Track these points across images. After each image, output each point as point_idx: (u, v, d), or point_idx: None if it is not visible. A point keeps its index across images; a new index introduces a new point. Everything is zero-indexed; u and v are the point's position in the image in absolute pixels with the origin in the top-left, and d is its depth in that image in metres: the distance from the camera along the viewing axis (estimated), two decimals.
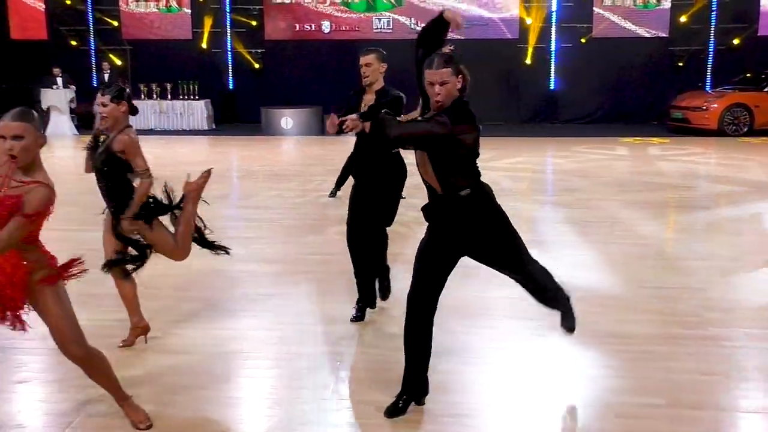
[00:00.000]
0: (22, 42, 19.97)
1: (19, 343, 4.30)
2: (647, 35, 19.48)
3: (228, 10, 19.86)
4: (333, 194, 9.62)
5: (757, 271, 6.63)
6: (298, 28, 19.93)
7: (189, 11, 19.99)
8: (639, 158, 13.82)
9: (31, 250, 3.30)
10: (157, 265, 4.75)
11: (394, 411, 3.78)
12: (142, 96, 18.46)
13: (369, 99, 5.04)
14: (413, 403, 3.84)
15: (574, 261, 6.72)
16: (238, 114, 19.98)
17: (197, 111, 18.77)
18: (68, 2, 19.81)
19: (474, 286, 5.66)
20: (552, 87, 19.67)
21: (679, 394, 4.08)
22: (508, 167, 12.44)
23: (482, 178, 3.72)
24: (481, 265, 3.94)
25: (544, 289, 4.09)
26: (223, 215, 8.93)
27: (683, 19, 19.16)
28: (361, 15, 19.89)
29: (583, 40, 19.33)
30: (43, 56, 18.94)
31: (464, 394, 4.11)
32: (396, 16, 19.84)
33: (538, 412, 3.90)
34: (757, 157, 13.62)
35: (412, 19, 19.74)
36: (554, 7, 19.37)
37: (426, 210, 3.77)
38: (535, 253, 4.14)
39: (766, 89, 16.94)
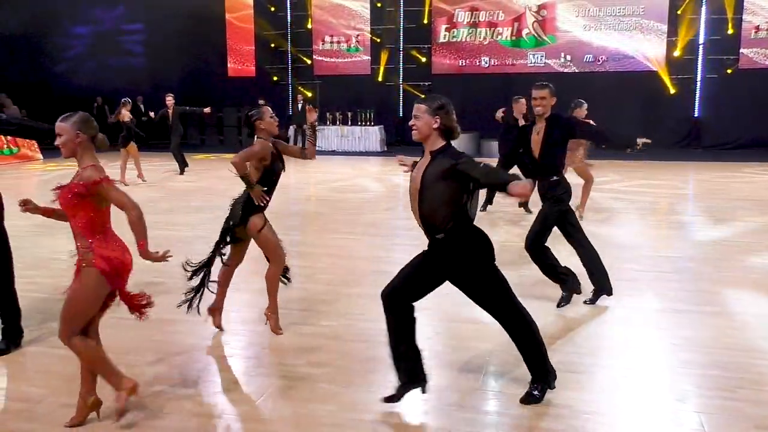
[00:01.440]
0: (236, 78, 21.49)
1: None
2: None
3: (401, 49, 20.31)
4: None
5: None
6: (460, 64, 20.02)
7: (368, 51, 20.63)
8: None
9: (80, 238, 3.31)
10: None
11: (526, 399, 3.70)
12: (328, 123, 19.31)
13: (540, 128, 5.09)
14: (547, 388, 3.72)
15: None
16: (406, 138, 20.34)
17: (372, 135, 19.33)
18: (272, 45, 21.08)
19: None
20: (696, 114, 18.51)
21: None
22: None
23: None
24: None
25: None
26: (393, 225, 9.13)
27: None
28: (518, 50, 19.66)
29: (729, 71, 18.03)
30: (252, 89, 20.24)
31: (602, 393, 3.95)
32: (550, 52, 19.44)
33: (673, 419, 3.67)
34: None
35: (564, 54, 19.29)
36: (701, 40, 18.23)
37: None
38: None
39: None
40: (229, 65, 21.78)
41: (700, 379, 4.11)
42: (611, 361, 4.41)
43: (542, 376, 3.70)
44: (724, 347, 4.60)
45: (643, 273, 6.57)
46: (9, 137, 16.55)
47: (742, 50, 18.12)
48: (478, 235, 3.50)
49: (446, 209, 3.41)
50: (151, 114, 14.40)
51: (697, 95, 18.46)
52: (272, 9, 20.98)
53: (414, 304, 3.63)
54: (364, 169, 15.53)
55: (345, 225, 8.91)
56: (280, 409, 3.73)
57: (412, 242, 7.74)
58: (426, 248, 3.60)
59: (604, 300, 5.59)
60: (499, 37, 19.77)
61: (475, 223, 3.53)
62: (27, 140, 17.10)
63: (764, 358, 4.42)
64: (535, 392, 3.70)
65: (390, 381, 3.79)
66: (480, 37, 19.92)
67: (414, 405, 3.72)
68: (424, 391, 3.70)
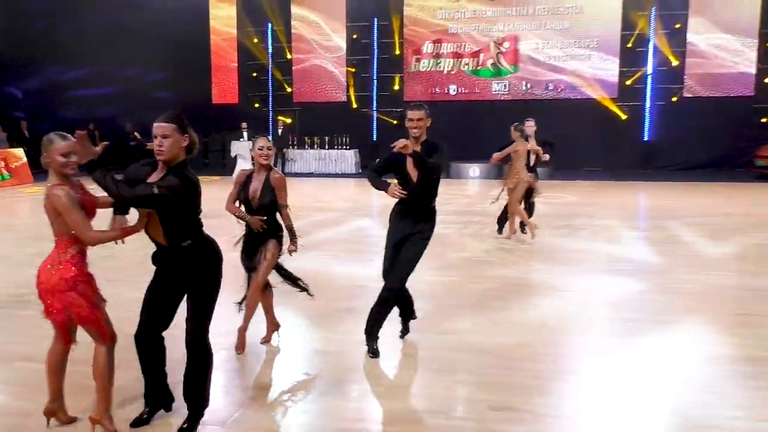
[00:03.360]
0: (220, 105, 21.43)
1: None
2: (733, 95, 18.32)
3: (374, 78, 20.46)
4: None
5: None
6: (430, 92, 20.21)
7: (345, 79, 20.74)
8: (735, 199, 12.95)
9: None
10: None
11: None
12: (306, 146, 19.37)
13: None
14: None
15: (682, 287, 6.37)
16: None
17: (348, 158, 19.39)
18: (254, 74, 21.12)
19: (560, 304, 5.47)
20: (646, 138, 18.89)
21: (759, 410, 3.76)
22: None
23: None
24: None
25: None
26: (368, 241, 9.13)
27: (767, 81, 17.93)
28: (482, 79, 19.93)
29: (674, 99, 18.48)
30: (235, 115, 20.21)
31: (561, 397, 3.97)
32: (512, 81, 19.74)
33: (628, 420, 3.70)
34: None
35: (525, 82, 19.60)
36: (650, 70, 18.65)
37: (155, 258, 3.37)
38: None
39: None
40: (213, 93, 21.71)
41: (651, 383, 4.16)
42: (570, 366, 4.44)
43: (198, 408, 3.42)
44: (675, 351, 4.66)
45: (600, 285, 6.64)
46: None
47: (686, 80, 18.55)
48: (211, 246, 3.39)
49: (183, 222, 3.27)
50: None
51: (647, 121, 18.83)
52: (255, 41, 21.05)
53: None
54: (339, 190, 15.51)
55: (324, 243, 8.88)
56: (257, 420, 3.68)
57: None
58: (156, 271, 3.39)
59: (562, 309, 5.63)
60: (465, 67, 20.03)
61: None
62: (20, 165, 16.87)
63: (714, 364, 4.48)
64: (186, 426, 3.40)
65: (362, 391, 3.77)
66: (447, 67, 20.16)
67: (388, 414, 3.70)
68: (168, 410, 3.56)
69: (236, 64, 21.46)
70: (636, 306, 5.85)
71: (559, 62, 19.32)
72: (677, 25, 18.43)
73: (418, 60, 20.33)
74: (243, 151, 18.86)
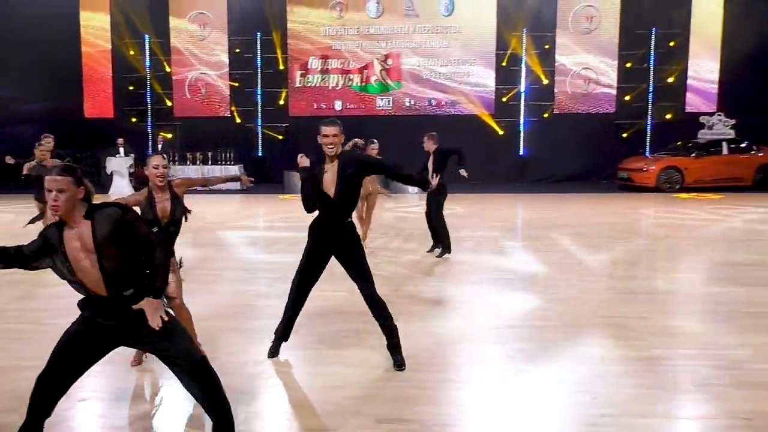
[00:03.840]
0: (93, 119, 20.25)
1: None
2: (598, 112, 19.73)
3: (259, 93, 20.17)
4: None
5: (690, 301, 6.59)
6: (315, 107, 20.22)
7: (228, 94, 20.31)
8: (601, 209, 13.86)
9: None
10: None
11: None
12: (188, 162, 18.71)
13: (331, 167, 4.49)
14: None
15: (548, 294, 6.69)
16: (266, 176, 20.17)
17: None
18: (131, 88, 20.17)
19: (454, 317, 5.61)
20: (521, 153, 19.87)
21: (629, 406, 4.02)
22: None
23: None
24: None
25: None
26: (252, 259, 8.93)
27: (627, 98, 19.48)
28: (368, 95, 20.22)
29: (545, 116, 19.62)
30: (110, 130, 19.20)
31: (448, 405, 4.05)
32: (396, 97, 20.16)
33: (512, 421, 3.84)
34: (688, 209, 13.65)
35: (408, 99, 20.09)
36: (523, 88, 19.68)
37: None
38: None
39: (692, 155, 17.10)
40: (85, 107, 20.49)
41: (533, 385, 4.34)
42: (456, 375, 4.54)
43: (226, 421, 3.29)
44: (554, 356, 4.89)
45: (484, 295, 6.87)
46: None
47: (555, 98, 19.74)
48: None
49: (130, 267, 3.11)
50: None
51: (521, 136, 19.84)
52: (131, 52, 20.12)
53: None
54: (224, 207, 15.12)
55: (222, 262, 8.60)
56: None
57: (271, 274, 7.64)
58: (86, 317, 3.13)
59: (447, 319, 5.77)
60: (350, 83, 20.23)
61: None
62: None
63: (577, 365, 4.74)
64: None
65: (249, 413, 3.65)
66: (333, 83, 20.27)
67: None
68: None
69: (111, 77, 20.41)
70: (518, 314, 6.09)
71: (440, 79, 19.98)
72: (546, 46, 19.61)
73: (303, 75, 20.29)
74: (120, 167, 17.99)
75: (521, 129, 19.80)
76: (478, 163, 19.18)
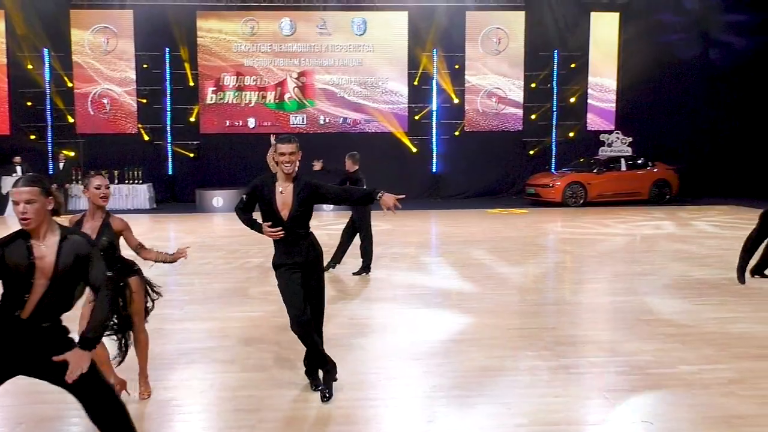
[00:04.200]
0: None
1: None
2: (506, 129, 20.43)
3: (168, 109, 19.60)
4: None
5: (595, 310, 6.89)
6: (228, 124, 19.86)
7: (135, 110, 19.61)
8: (508, 224, 14.29)
9: None
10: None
11: None
12: None
13: (286, 186, 4.34)
14: None
15: (460, 305, 6.80)
16: (177, 195, 19.58)
17: (141, 193, 18.26)
18: (29, 103, 19.11)
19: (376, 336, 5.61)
20: (434, 170, 20.27)
21: (541, 415, 4.14)
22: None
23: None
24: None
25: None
26: (162, 282, 8.61)
27: (533, 117, 20.30)
28: (282, 113, 20.07)
29: (456, 133, 20.14)
30: (6, 148, 18.10)
31: (366, 424, 4.03)
32: (310, 114, 20.11)
33: None
34: (592, 222, 14.32)
35: (323, 116, 20.10)
36: (435, 107, 20.12)
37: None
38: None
39: (594, 171, 18.00)
40: None
41: (450, 400, 4.39)
42: (373, 393, 4.54)
43: None
44: (470, 369, 4.97)
45: (396, 311, 6.91)
46: None
47: (466, 116, 20.29)
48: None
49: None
50: None
51: (434, 153, 20.25)
52: (29, 67, 19.06)
53: None
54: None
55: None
56: None
57: (182, 297, 7.40)
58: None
59: (357, 338, 5.77)
60: (264, 100, 20.02)
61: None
62: None
63: (496, 375, 4.85)
64: None
65: None
66: (246, 100, 19.99)
67: None
68: None
69: (7, 92, 19.25)
70: (434, 329, 6.16)
71: (354, 97, 20.11)
72: (456, 66, 20.16)
73: (215, 92, 19.90)
74: None
75: (434, 146, 20.21)
76: (391, 181, 19.51)
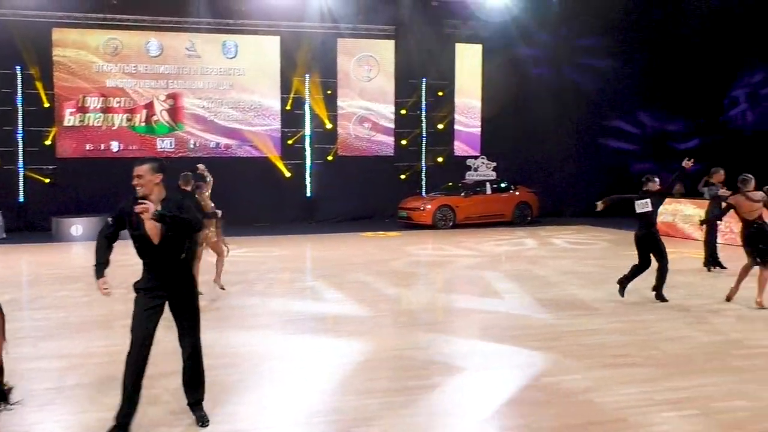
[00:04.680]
0: None
1: None
2: (379, 154, 20.85)
3: (20, 132, 18.13)
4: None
5: (465, 326, 7.13)
6: (88, 147, 18.69)
7: None
8: (385, 247, 14.50)
9: None
10: None
11: None
12: None
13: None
14: None
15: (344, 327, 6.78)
16: (30, 223, 18.06)
17: None
18: None
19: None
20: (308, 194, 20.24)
21: None
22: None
23: None
24: None
25: None
26: (13, 317, 7.87)
27: (404, 142, 20.88)
28: (148, 136, 19.20)
29: (329, 158, 20.27)
30: None
31: None
32: (179, 138, 19.40)
33: None
34: (461, 243, 14.89)
35: (192, 140, 19.48)
36: (308, 132, 20.13)
37: None
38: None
39: (462, 194, 18.79)
40: None
41: (319, 424, 4.34)
42: (241, 425, 4.39)
43: None
44: (345, 391, 4.95)
45: (270, 338, 6.77)
46: None
47: (339, 140, 20.48)
48: None
49: None
50: None
51: (308, 178, 20.22)
52: None
53: None
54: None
55: None
56: None
57: (35, 333, 6.80)
58: None
59: (225, 368, 5.59)
60: (130, 123, 19.07)
61: None
62: None
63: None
64: None
65: None
66: (109, 122, 18.93)
67: None
68: None
69: None
70: (308, 354, 6.10)
71: (224, 120, 19.66)
72: (329, 91, 20.36)
73: (74, 113, 18.67)
74: None
75: (307, 171, 20.20)
76: (265, 205, 19.25)
